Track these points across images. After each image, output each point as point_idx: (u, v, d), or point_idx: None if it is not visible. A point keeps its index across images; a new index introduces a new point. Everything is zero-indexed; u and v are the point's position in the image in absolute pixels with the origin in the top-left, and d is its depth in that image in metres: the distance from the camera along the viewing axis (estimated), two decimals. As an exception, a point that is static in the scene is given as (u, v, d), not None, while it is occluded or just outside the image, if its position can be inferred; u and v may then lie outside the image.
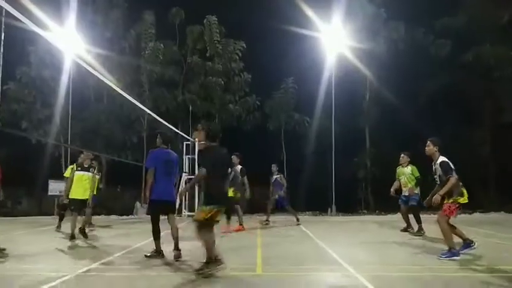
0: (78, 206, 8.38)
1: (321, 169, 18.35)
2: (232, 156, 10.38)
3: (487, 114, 18.84)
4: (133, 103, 11.25)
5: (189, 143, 16.24)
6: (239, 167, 10.33)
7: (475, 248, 6.49)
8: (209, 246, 5.15)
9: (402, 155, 9.60)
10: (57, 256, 6.89)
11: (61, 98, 17.09)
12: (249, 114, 19.24)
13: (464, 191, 6.51)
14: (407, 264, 6.00)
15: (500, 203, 16.86)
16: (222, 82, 18.68)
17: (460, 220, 11.66)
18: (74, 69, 16.81)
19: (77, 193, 8.30)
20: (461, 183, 6.49)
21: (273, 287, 4.72)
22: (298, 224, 11.79)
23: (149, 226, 6.52)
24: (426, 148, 6.82)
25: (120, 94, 10.19)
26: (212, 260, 5.13)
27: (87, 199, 8.43)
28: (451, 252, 6.22)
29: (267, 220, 12.21)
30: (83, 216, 9.17)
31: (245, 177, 10.29)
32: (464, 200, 6.48)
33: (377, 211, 16.86)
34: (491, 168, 18.67)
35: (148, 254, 6.40)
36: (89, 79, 17.11)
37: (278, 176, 12.48)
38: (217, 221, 5.30)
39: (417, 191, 9.32)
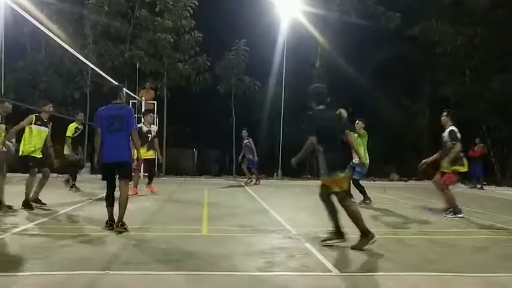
0: (39, 165, 7.34)
1: (269, 134, 18.58)
2: (149, 115, 10.35)
3: (427, 86, 19.82)
4: (75, 56, 10.55)
5: (135, 101, 15.65)
6: (155, 127, 10.29)
7: (461, 216, 7.17)
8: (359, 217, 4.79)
9: (357, 121, 8.93)
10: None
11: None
12: (199, 75, 18.77)
13: (465, 161, 7.35)
14: (348, 227, 6.30)
15: (431, 172, 18.13)
16: (172, 40, 17.93)
17: (397, 187, 12.33)
18: (8, 14, 15.33)
19: (37, 151, 7.24)
20: (462, 154, 7.30)
21: (217, 247, 4.80)
22: (247, 183, 13.27)
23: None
24: (442, 118, 7.63)
25: (61, 45, 9.47)
26: (366, 232, 4.70)
27: (42, 157, 7.40)
28: (455, 211, 7.17)
29: (249, 179, 13.87)
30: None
31: (156, 139, 10.08)
32: (463, 168, 7.34)
33: (321, 176, 17.49)
34: (426, 139, 19.91)
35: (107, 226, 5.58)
36: (25, 26, 15.74)
37: (247, 140, 13.25)
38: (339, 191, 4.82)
39: (367, 160, 8.34)
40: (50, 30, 9.34)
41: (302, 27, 17.88)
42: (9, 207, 6.86)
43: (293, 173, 17.51)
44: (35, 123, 7.22)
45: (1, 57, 15.97)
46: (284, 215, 7.15)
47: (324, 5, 18.13)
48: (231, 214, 7.30)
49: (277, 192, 11.96)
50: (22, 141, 7.28)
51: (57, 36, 9.24)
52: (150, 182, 10.08)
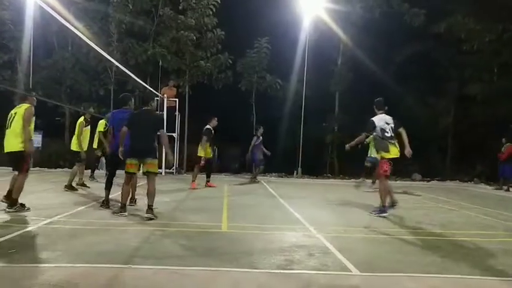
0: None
1: (290, 132, 18.52)
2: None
3: (453, 85, 19.37)
4: (100, 53, 10.76)
5: (157, 98, 15.85)
6: (207, 126, 11.06)
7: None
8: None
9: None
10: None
11: (22, 42, 16.09)
12: (221, 73, 18.86)
13: None
14: (366, 226, 6.26)
15: (455, 172, 17.74)
16: (194, 37, 18.07)
17: (419, 187, 12.17)
18: (36, 13, 15.77)
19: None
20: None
21: (236, 243, 4.83)
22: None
23: (114, 180, 6.54)
24: None
25: (87, 43, 9.69)
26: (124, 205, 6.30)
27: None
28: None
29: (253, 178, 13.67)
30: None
31: (204, 137, 10.93)
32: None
33: (341, 175, 17.34)
34: (450, 138, 19.47)
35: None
36: (53, 24, 16.14)
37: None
38: (132, 172, 6.31)
39: (374, 154, 10.03)
40: (77, 29, 9.56)
41: (324, 24, 17.72)
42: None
43: (313, 171, 17.41)
44: (85, 126, 9.46)
45: (30, 55, 16.50)
46: (303, 213, 7.13)
47: (347, 2, 17.93)
48: (250, 211, 7.34)
49: (296, 190, 11.92)
50: (75, 140, 9.30)
51: (83, 35, 9.44)
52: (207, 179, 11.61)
